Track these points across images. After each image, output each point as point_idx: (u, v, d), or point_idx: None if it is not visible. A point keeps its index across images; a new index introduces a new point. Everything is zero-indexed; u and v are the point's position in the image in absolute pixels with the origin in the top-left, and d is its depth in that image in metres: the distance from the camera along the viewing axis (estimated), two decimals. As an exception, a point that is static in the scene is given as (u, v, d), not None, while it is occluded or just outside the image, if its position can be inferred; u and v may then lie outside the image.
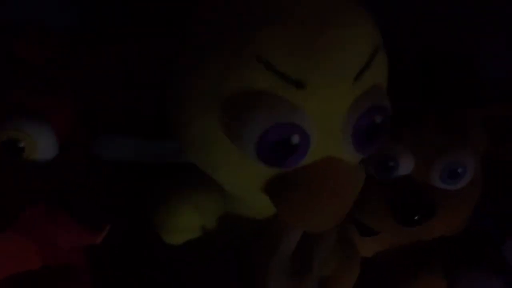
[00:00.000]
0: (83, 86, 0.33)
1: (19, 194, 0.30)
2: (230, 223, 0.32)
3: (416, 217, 0.33)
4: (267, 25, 0.21)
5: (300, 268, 0.30)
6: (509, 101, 0.37)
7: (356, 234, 0.39)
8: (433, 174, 0.34)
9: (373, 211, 0.35)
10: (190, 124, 0.24)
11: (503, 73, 0.43)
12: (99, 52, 0.34)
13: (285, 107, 0.22)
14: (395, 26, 0.27)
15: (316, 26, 0.22)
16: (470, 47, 0.41)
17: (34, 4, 0.36)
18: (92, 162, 0.34)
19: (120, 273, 0.38)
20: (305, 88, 0.22)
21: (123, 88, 0.35)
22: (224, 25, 0.23)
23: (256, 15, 0.22)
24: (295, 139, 0.22)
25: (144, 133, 0.34)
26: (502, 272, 0.40)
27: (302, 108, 0.22)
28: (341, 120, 0.23)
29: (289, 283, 0.29)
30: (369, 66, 0.23)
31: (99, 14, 0.38)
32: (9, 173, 0.30)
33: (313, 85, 0.22)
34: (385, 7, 0.29)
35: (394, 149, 0.33)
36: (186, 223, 0.32)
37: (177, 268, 0.36)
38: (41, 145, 0.30)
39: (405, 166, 0.34)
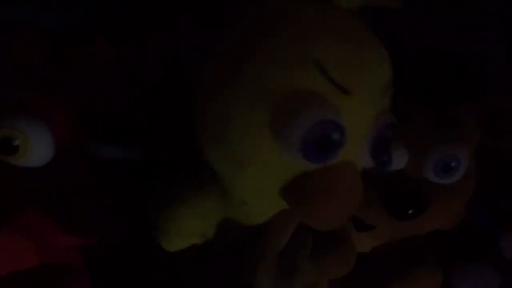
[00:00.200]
0: (82, 86, 0.33)
1: (19, 194, 0.30)
2: (228, 229, 0.33)
3: (410, 211, 0.34)
4: (325, 35, 0.25)
5: (287, 267, 0.31)
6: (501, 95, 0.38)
7: (352, 230, 0.39)
8: (426, 168, 0.34)
9: (367, 205, 0.35)
10: (233, 118, 0.26)
11: (502, 73, 0.43)
12: (99, 52, 0.34)
13: (330, 107, 0.25)
14: (395, 26, 0.27)
15: (356, 44, 0.26)
16: (470, 47, 0.41)
17: (34, 4, 0.36)
18: (92, 162, 0.34)
19: (120, 273, 0.38)
20: (347, 94, 0.25)
21: (123, 88, 0.35)
22: (287, 30, 0.26)
23: (316, 25, 0.26)
24: (336, 136, 0.24)
25: (140, 134, 0.34)
26: (498, 265, 0.40)
27: (342, 111, 0.25)
28: (366, 127, 0.26)
29: (278, 281, 0.30)
30: (389, 85, 0.27)
31: (99, 14, 0.38)
32: (9, 173, 0.30)
33: (354, 92, 0.25)
34: (385, 7, 0.29)
35: None
36: (188, 229, 0.32)
37: (177, 268, 0.36)
38: (36, 144, 0.29)
39: (399, 160, 0.34)
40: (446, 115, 0.35)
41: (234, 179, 0.28)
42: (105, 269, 0.37)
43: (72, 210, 0.31)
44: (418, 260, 0.40)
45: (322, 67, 0.25)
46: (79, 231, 0.32)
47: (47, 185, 0.31)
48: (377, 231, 0.39)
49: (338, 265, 0.39)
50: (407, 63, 0.37)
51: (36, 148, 0.29)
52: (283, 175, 0.27)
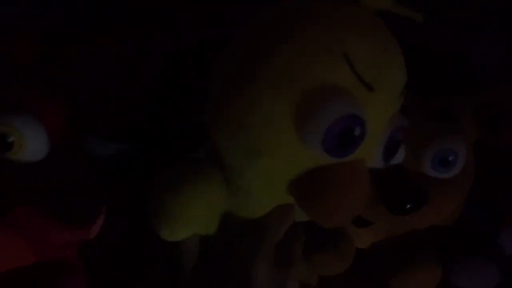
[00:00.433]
0: (80, 85, 0.33)
1: (16, 191, 0.31)
2: (228, 225, 0.32)
3: (408, 206, 0.34)
4: (355, 30, 0.26)
5: (283, 260, 0.31)
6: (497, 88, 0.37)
7: (350, 226, 0.39)
8: (424, 162, 0.34)
9: (365, 201, 0.35)
10: (258, 107, 0.26)
11: (501, 72, 0.43)
12: (98, 52, 0.34)
13: (355, 102, 0.25)
14: (395, 25, 0.27)
15: (382, 44, 0.26)
16: (469, 47, 0.41)
17: (34, 4, 0.36)
18: (92, 162, 0.34)
19: (120, 273, 0.38)
20: (372, 91, 0.25)
21: (123, 88, 0.35)
22: (318, 23, 0.26)
23: (347, 19, 0.26)
24: (358, 131, 0.25)
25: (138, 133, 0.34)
26: (497, 260, 0.40)
27: (365, 107, 0.25)
28: (382, 128, 0.27)
29: (274, 274, 0.30)
30: (404, 89, 0.28)
31: (99, 14, 0.38)
32: (5, 171, 0.30)
33: (378, 90, 0.25)
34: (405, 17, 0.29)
35: None
36: (193, 215, 0.30)
37: (177, 268, 0.36)
38: (31, 141, 0.30)
39: (397, 155, 0.34)
40: (444, 110, 0.35)
41: (246, 168, 0.28)
42: (105, 269, 0.37)
43: (68, 205, 0.32)
44: (418, 255, 0.40)
45: (350, 61, 0.25)
46: (75, 222, 0.32)
47: (45, 184, 0.31)
48: (375, 226, 0.39)
49: (337, 261, 0.39)
50: (406, 58, 0.37)
51: (31, 145, 0.30)
52: (296, 168, 0.27)
